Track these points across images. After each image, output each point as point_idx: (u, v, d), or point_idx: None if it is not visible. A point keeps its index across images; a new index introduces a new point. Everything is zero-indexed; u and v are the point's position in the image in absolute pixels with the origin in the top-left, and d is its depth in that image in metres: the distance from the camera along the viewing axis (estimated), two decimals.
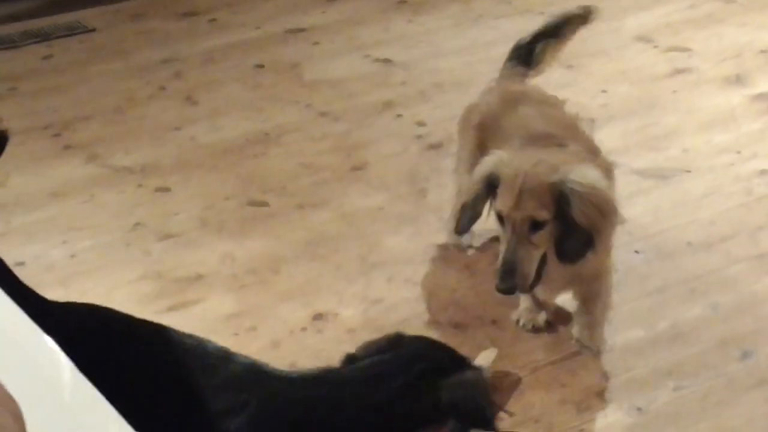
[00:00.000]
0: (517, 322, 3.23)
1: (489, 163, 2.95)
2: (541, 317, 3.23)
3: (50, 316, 2.18)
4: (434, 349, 2.32)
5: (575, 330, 3.17)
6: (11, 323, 1.66)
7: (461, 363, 2.30)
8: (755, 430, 2.89)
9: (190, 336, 2.37)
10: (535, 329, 3.21)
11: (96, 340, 2.25)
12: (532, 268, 2.85)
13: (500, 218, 2.88)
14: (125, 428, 1.40)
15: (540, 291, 3.12)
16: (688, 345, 3.18)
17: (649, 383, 3.03)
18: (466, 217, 3.00)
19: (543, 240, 2.85)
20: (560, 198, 2.81)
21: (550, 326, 3.22)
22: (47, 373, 1.48)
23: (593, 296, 3.14)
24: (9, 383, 1.23)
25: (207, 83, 4.73)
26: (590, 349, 3.13)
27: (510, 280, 2.83)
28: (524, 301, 3.23)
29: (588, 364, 3.10)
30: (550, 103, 3.28)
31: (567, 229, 2.83)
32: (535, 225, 2.83)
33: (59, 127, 4.38)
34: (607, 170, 3.04)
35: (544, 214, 2.81)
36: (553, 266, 2.93)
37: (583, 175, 2.85)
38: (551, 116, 3.16)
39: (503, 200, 2.85)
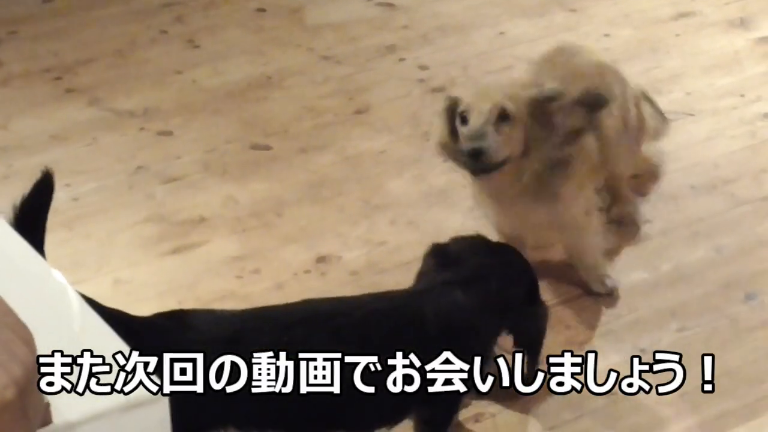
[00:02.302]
0: None
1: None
2: None
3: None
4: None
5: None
6: (21, 258, 1.68)
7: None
8: (758, 371, 2.91)
9: None
10: None
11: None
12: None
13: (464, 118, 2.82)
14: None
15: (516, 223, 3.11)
16: (691, 287, 3.19)
17: (652, 325, 3.04)
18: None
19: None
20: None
21: (553, 267, 3.23)
22: (57, 304, 1.50)
23: (578, 250, 3.16)
24: (20, 313, 1.24)
25: (208, 27, 4.71)
26: (599, 292, 3.14)
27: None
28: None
29: (592, 306, 3.12)
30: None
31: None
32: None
33: (60, 71, 4.35)
34: None
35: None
36: (530, 206, 2.96)
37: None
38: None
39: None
